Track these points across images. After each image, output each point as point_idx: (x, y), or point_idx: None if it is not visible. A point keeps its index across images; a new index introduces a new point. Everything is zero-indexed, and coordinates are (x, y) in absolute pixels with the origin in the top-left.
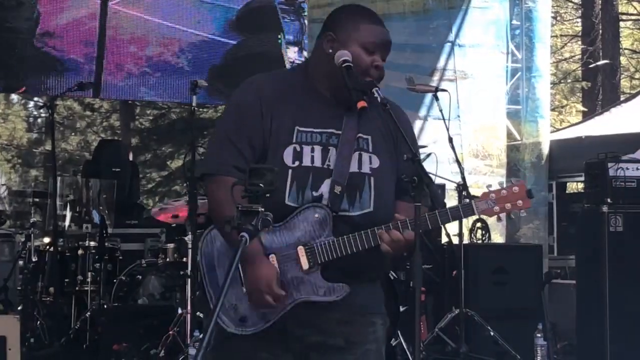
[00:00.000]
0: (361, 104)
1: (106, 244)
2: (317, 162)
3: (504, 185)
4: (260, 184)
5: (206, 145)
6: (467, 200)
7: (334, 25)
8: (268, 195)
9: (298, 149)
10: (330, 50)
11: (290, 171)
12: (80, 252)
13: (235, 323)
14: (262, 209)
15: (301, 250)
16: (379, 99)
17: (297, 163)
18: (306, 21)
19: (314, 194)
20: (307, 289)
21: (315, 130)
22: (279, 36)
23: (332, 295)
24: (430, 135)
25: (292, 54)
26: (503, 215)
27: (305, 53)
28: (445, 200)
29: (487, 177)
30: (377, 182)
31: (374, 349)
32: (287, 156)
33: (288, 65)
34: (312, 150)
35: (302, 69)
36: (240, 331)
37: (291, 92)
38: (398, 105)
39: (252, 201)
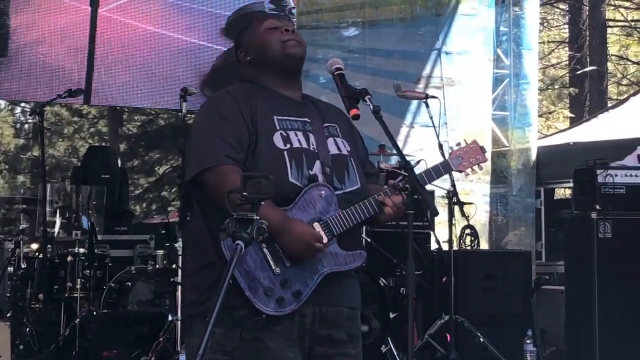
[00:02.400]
0: (353, 112)
1: (95, 250)
2: (304, 144)
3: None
4: (255, 193)
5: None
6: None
7: (239, 43)
8: (263, 203)
9: (284, 134)
10: (248, 57)
11: (285, 152)
12: (69, 258)
13: (273, 305)
14: (257, 217)
15: (317, 226)
16: (371, 107)
17: (288, 145)
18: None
19: (310, 172)
20: (330, 261)
21: (291, 118)
22: None
23: (353, 263)
24: (416, 143)
25: None
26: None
27: None
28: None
29: (473, 184)
30: (355, 163)
31: (361, 344)
32: (278, 141)
33: None
34: (297, 135)
35: (245, 82)
36: (280, 312)
37: (255, 93)
38: (335, 105)
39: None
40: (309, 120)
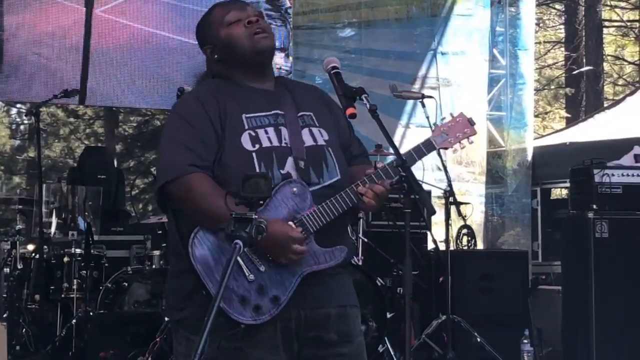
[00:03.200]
0: (350, 110)
1: (92, 251)
2: (275, 142)
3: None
4: (253, 192)
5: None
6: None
7: (204, 39)
8: (262, 202)
9: (253, 133)
10: (216, 56)
11: (254, 154)
12: (65, 259)
13: (249, 313)
14: (256, 216)
15: (291, 224)
16: (367, 106)
17: (257, 146)
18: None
19: (282, 172)
20: (309, 260)
21: (261, 114)
22: None
23: (334, 259)
24: (412, 143)
25: (278, 60)
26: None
27: (291, 59)
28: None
29: (469, 184)
30: (334, 152)
31: (361, 341)
32: (246, 142)
33: (275, 72)
34: (266, 132)
35: (215, 77)
36: (257, 320)
37: (224, 91)
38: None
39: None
40: (281, 112)
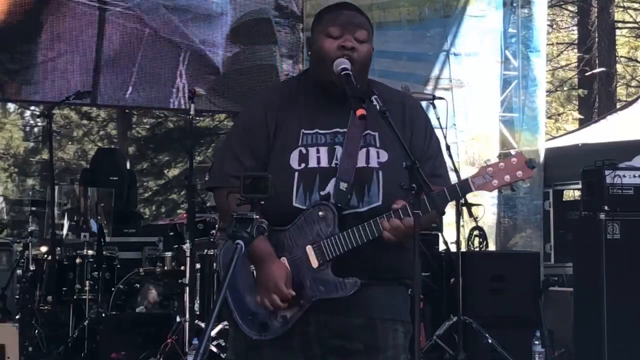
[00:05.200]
0: (360, 112)
1: (104, 252)
2: (324, 163)
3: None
4: (255, 193)
5: (202, 155)
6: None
7: (311, 29)
8: (263, 202)
9: (304, 151)
10: (309, 53)
11: (296, 174)
12: (78, 260)
13: (257, 330)
14: (257, 217)
15: (310, 249)
16: (377, 107)
17: (303, 165)
18: (302, 34)
19: (322, 193)
20: (320, 287)
21: (321, 131)
22: (274, 48)
23: (344, 290)
24: None
25: (287, 67)
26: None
27: (300, 66)
28: None
29: None
30: (385, 176)
31: (391, 355)
32: (293, 160)
33: (282, 78)
34: (318, 152)
35: (307, 75)
36: (263, 336)
37: (297, 98)
38: (415, 100)
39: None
40: (342, 131)
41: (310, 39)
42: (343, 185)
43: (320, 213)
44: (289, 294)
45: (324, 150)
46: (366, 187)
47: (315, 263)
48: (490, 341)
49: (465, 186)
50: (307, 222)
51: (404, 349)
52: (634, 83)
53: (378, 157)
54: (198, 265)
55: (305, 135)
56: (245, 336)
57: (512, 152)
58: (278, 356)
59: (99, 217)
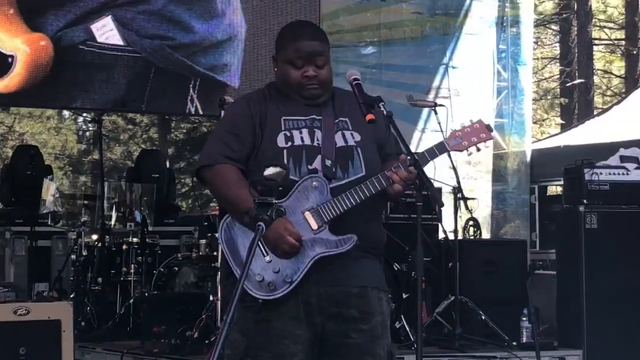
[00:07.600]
0: (369, 116)
1: (147, 240)
2: (307, 141)
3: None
4: (272, 180)
5: None
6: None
7: (276, 47)
8: (281, 188)
9: (288, 134)
10: (276, 69)
11: (285, 151)
12: (124, 247)
13: (265, 290)
14: (276, 201)
15: (308, 214)
16: (384, 112)
17: (289, 144)
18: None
19: (309, 167)
20: (321, 246)
21: (300, 117)
22: None
23: (344, 246)
24: (427, 145)
25: None
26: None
27: None
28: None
29: (477, 182)
30: (363, 151)
31: (380, 320)
32: (280, 141)
33: None
34: (301, 133)
35: (272, 87)
36: (270, 295)
37: (272, 98)
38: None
39: (266, 193)
40: (318, 118)
41: (274, 57)
42: (328, 162)
43: (314, 184)
44: (299, 234)
45: (305, 132)
46: (349, 162)
47: (314, 225)
48: (483, 318)
49: (441, 147)
50: (302, 192)
51: (388, 315)
52: (609, 93)
53: (353, 137)
54: None
55: (287, 121)
56: (253, 311)
57: (468, 121)
58: (286, 326)
59: (142, 209)
